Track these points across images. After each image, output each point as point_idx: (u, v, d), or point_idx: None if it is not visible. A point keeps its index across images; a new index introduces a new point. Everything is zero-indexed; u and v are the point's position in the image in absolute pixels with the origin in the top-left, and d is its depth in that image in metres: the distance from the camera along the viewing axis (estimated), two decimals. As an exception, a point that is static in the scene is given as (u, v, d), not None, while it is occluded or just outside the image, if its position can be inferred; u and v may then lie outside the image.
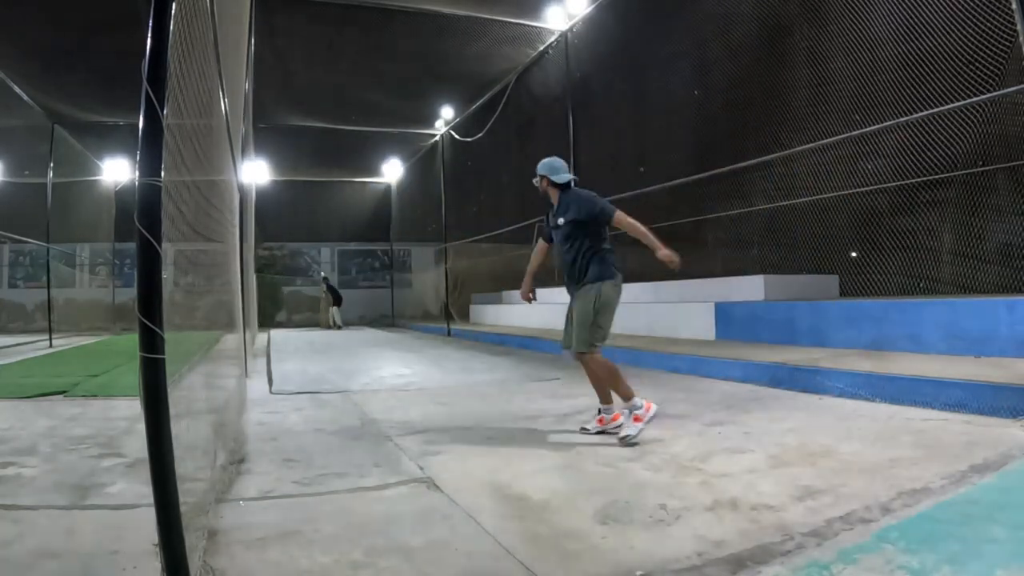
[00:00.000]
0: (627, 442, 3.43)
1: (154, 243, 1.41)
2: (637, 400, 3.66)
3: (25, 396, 5.36)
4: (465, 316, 16.91)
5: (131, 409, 4.55)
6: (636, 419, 3.58)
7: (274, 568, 1.95)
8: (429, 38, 9.64)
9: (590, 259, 3.81)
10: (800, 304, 7.28)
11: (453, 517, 2.39)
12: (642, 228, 3.81)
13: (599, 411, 3.84)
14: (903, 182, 6.00)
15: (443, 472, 3.00)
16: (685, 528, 2.23)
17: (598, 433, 3.73)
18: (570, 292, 3.95)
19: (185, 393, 2.29)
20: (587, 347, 3.74)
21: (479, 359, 8.65)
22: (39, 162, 12.37)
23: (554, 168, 3.99)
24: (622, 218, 3.83)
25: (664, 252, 3.71)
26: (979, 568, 1.82)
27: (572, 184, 4.00)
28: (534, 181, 4.03)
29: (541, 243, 4.21)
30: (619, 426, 3.66)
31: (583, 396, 5.23)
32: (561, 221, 3.89)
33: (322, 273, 19.35)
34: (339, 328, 17.52)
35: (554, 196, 3.98)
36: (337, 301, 17.95)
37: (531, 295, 4.30)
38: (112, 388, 5.74)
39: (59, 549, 2.08)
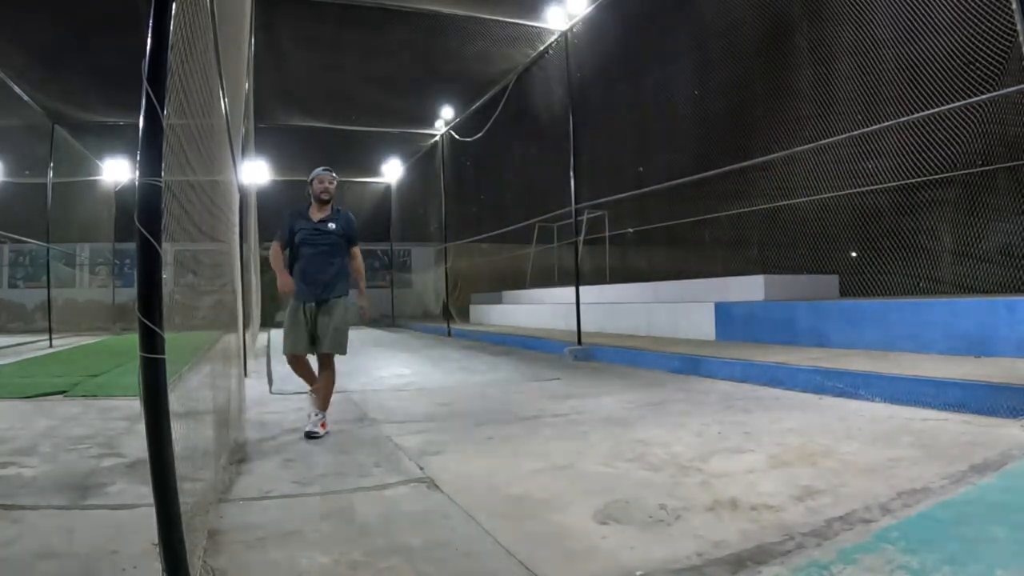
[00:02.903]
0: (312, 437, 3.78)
1: (154, 243, 1.41)
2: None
3: (25, 396, 5.35)
4: (465, 316, 16.92)
5: (131, 409, 4.55)
6: (324, 424, 3.94)
7: (274, 568, 1.95)
8: (429, 38, 9.62)
9: (345, 275, 4.19)
10: (800, 304, 7.29)
11: (453, 517, 2.39)
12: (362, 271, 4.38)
13: (321, 416, 3.97)
14: (903, 182, 6.01)
15: (443, 472, 3.00)
16: (685, 528, 2.23)
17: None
18: (312, 298, 4.08)
19: (185, 393, 2.29)
20: (345, 351, 4.12)
21: (479, 359, 8.65)
22: (39, 162, 12.37)
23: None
24: (358, 252, 4.35)
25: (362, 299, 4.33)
26: (979, 568, 1.82)
27: None
28: (326, 180, 4.20)
29: (280, 246, 4.26)
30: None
31: (583, 396, 5.23)
32: (332, 227, 4.16)
33: None
34: None
35: (325, 207, 4.22)
36: None
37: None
38: (112, 388, 5.74)
39: (59, 549, 2.08)
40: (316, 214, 4.21)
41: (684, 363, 6.51)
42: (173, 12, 1.50)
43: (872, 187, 6.44)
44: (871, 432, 3.59)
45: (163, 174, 1.46)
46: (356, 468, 3.11)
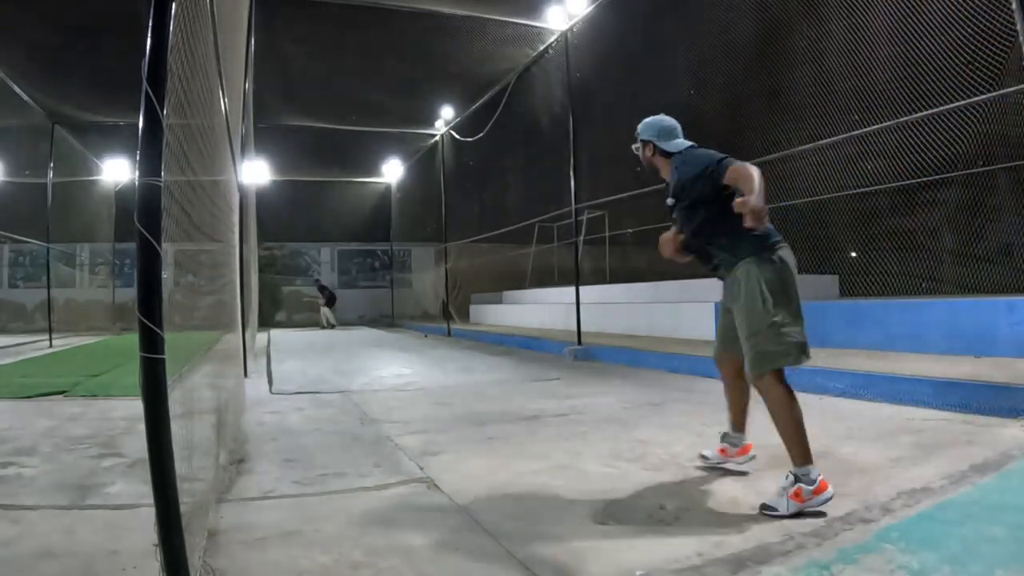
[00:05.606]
0: (766, 512, 2.34)
1: (154, 243, 1.41)
2: (812, 470, 2.36)
3: (25, 396, 5.36)
4: (465, 316, 16.92)
5: (131, 409, 4.55)
6: (797, 495, 2.31)
7: (274, 568, 1.95)
8: (429, 38, 9.62)
9: (720, 238, 2.65)
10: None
11: (453, 517, 2.39)
12: (751, 171, 2.44)
13: (722, 436, 2.92)
14: (903, 182, 6.01)
15: (443, 472, 3.00)
16: (685, 528, 2.23)
17: (716, 466, 2.92)
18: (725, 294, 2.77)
19: (185, 393, 2.29)
20: (758, 368, 2.50)
21: (479, 359, 8.65)
22: (39, 162, 12.37)
23: (663, 130, 2.85)
24: (737, 169, 2.51)
25: (744, 199, 2.35)
26: (979, 568, 1.82)
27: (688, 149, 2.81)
28: (634, 148, 2.97)
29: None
30: (750, 459, 2.87)
31: (583, 396, 5.23)
32: (671, 202, 2.79)
33: (316, 277, 19.45)
34: (332, 327, 17.56)
35: (665, 171, 2.86)
36: (330, 301, 18.09)
37: (674, 245, 2.83)
38: (112, 388, 5.74)
39: (59, 549, 2.08)
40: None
41: (684, 363, 6.51)
42: (173, 12, 1.50)
43: (872, 187, 6.44)
44: (871, 432, 3.59)
45: (163, 174, 1.46)
46: (356, 468, 3.10)
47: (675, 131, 2.89)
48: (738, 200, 2.37)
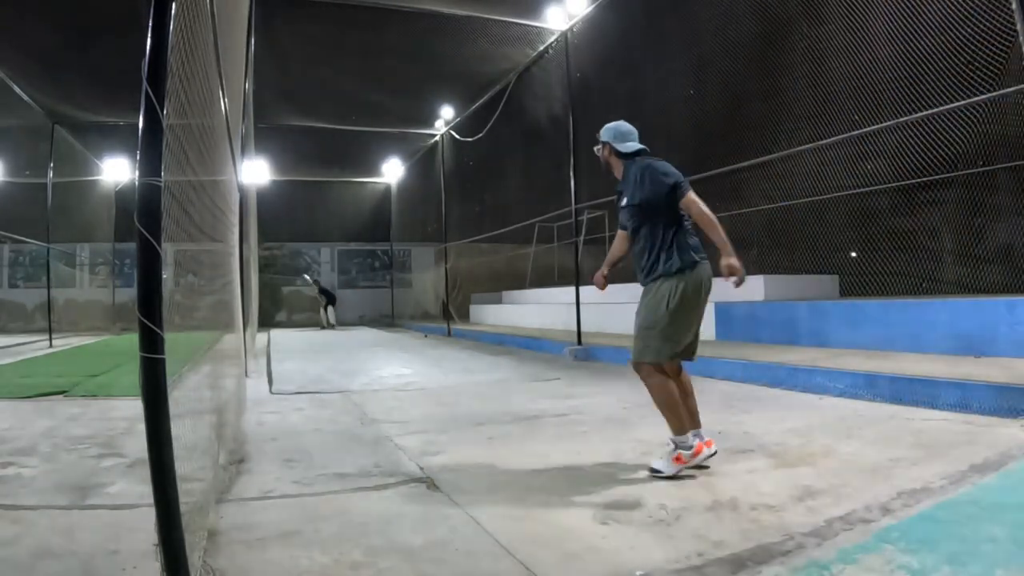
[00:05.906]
0: (653, 472, 2.83)
1: (154, 243, 1.41)
2: (688, 438, 2.89)
3: (25, 396, 5.36)
4: (465, 316, 16.92)
5: (131, 409, 4.55)
6: (678, 459, 2.84)
7: (274, 568, 1.95)
8: (429, 38, 9.62)
9: (661, 248, 3.04)
10: (800, 304, 7.28)
11: (453, 517, 2.39)
12: (714, 220, 2.96)
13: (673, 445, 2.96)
14: (903, 182, 6.01)
15: (443, 472, 3.00)
16: (685, 528, 2.23)
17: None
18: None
19: (185, 393, 2.29)
20: (639, 357, 3.03)
21: (479, 359, 8.65)
22: (39, 162, 12.37)
23: (619, 134, 3.22)
24: (693, 202, 2.98)
25: (729, 261, 2.91)
26: (979, 568, 1.82)
27: (641, 154, 3.20)
28: (595, 149, 3.32)
29: (620, 232, 3.36)
30: (712, 453, 2.97)
31: (583, 396, 5.23)
32: (624, 203, 3.17)
33: (312, 277, 19.39)
34: (332, 327, 17.54)
35: (618, 170, 3.23)
36: (331, 301, 18.07)
37: (604, 283, 3.49)
38: (112, 388, 5.74)
39: (59, 549, 2.08)
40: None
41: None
42: (173, 12, 1.50)
43: (872, 188, 6.44)
44: (871, 432, 3.59)
45: (163, 174, 1.46)
46: (356, 468, 3.10)
47: (630, 135, 3.25)
48: (729, 264, 2.90)
